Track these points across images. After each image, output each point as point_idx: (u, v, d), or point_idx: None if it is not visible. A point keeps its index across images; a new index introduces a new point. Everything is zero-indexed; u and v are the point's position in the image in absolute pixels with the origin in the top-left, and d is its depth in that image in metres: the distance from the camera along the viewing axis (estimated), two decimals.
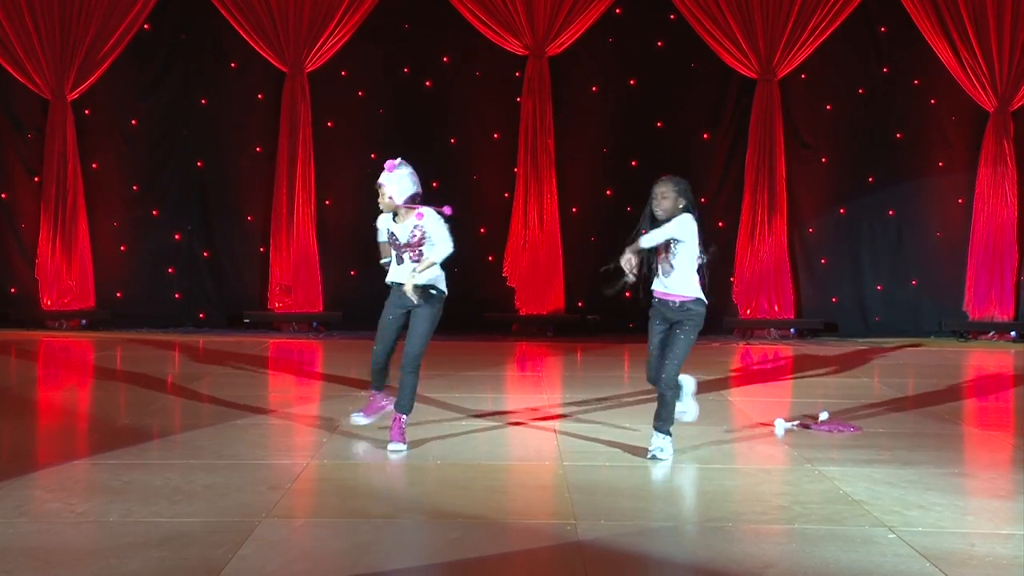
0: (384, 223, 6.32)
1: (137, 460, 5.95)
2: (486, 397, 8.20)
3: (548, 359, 10.73)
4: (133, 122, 12.68)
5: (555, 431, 6.90)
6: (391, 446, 6.26)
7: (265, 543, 4.53)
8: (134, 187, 12.71)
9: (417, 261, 6.18)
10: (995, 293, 12.38)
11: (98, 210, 12.63)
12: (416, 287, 6.13)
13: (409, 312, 6.28)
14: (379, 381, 6.49)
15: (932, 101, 12.56)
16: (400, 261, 6.26)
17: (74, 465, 5.88)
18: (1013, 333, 12.42)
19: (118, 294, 12.72)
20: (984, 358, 11.22)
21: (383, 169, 6.23)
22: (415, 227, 6.17)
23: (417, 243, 6.18)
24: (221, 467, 5.80)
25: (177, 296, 12.76)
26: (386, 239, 6.34)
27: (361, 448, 6.33)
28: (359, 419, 6.49)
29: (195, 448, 6.26)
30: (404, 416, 6.35)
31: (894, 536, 4.69)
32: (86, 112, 12.60)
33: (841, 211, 12.70)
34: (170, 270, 12.74)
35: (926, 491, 5.43)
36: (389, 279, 6.35)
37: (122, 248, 12.75)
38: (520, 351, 11.35)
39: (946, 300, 12.57)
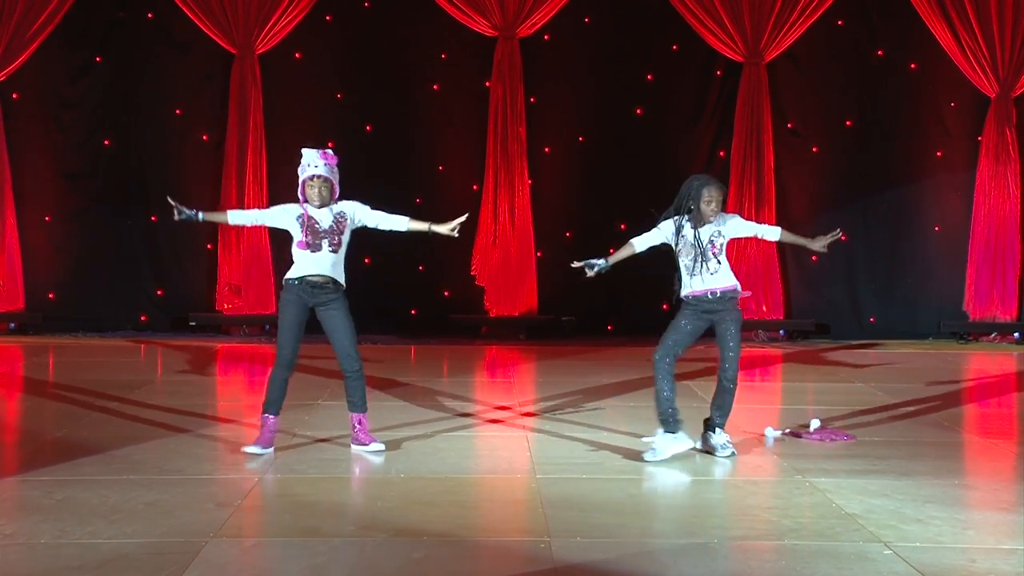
0: (293, 209, 6.39)
1: (71, 476, 5.89)
2: (453, 405, 8.19)
3: (520, 364, 10.74)
4: (66, 107, 12.55)
5: (528, 441, 6.91)
6: (373, 446, 6.48)
7: (212, 565, 4.51)
8: (67, 178, 12.58)
9: (335, 251, 6.32)
10: (997, 292, 12.53)
11: (27, 203, 12.50)
12: (330, 285, 6.33)
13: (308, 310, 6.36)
14: (282, 399, 6.50)
15: (930, 86, 12.70)
16: (316, 249, 6.32)
17: (1, 483, 5.81)
18: (1016, 334, 12.58)
19: (50, 295, 12.60)
20: (985, 361, 11.35)
21: (322, 160, 6.33)
22: (339, 213, 6.36)
23: (340, 231, 6.36)
24: (164, 483, 5.75)
25: (116, 297, 12.64)
26: (280, 225, 6.43)
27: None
28: (255, 450, 6.37)
29: (135, 463, 6.20)
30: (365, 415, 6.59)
31: (890, 552, 4.74)
32: (14, 96, 12.46)
33: (833, 203, 12.81)
34: (108, 269, 12.62)
35: (924, 504, 5.49)
36: (300, 273, 6.34)
37: (54, 244, 12.62)
38: (490, 355, 11.35)
39: (945, 299, 12.71)
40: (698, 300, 6.35)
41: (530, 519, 5.29)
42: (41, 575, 4.39)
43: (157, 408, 7.86)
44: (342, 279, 6.39)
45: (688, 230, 6.33)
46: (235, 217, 6.90)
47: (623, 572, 4.51)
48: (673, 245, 6.38)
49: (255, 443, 6.40)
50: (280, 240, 12.71)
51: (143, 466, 6.12)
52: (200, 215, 6.53)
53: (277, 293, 12.52)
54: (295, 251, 6.40)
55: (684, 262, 6.34)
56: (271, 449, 6.40)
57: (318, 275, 6.32)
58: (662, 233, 6.41)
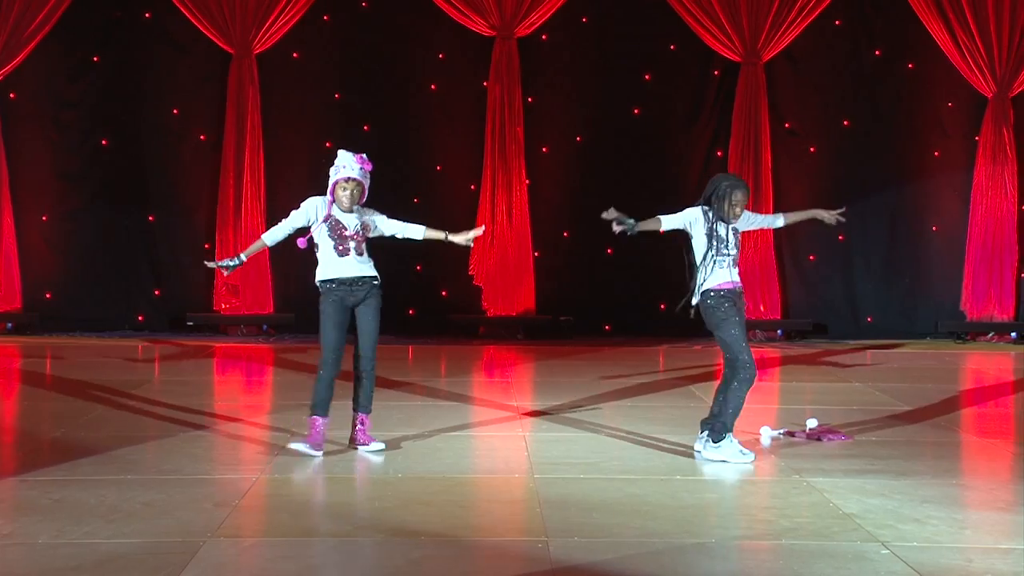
0: (321, 209, 6.35)
1: (69, 476, 5.88)
2: (451, 405, 8.20)
3: (518, 364, 10.75)
4: (63, 107, 12.54)
5: (525, 441, 6.91)
6: (373, 446, 6.48)
7: (210, 565, 4.51)
8: (65, 178, 12.57)
9: (361, 254, 6.39)
10: (994, 291, 12.55)
11: (25, 203, 12.49)
12: (365, 279, 6.40)
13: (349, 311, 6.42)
14: (330, 399, 6.46)
15: (927, 86, 12.71)
16: (343, 254, 6.34)
17: None
18: (1013, 334, 12.60)
19: (47, 295, 12.58)
20: (983, 361, 11.36)
21: (357, 163, 6.32)
22: (364, 221, 6.42)
23: (364, 235, 6.42)
24: (161, 483, 5.75)
25: (113, 297, 12.63)
26: (303, 224, 6.38)
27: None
28: (302, 448, 6.34)
29: (133, 463, 6.20)
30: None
31: (887, 552, 4.74)
32: (11, 96, 12.44)
33: (831, 203, 12.79)
34: (105, 269, 12.61)
35: (921, 503, 5.50)
36: (332, 275, 6.35)
37: (52, 244, 12.61)
38: (488, 355, 11.35)
39: (943, 299, 12.73)
40: (730, 292, 6.34)
41: (528, 519, 5.29)
42: (39, 575, 4.39)
43: (155, 408, 7.86)
44: (374, 273, 6.44)
45: (721, 225, 6.35)
46: (271, 237, 6.58)
47: (621, 572, 4.51)
48: (707, 238, 6.35)
49: (305, 441, 6.36)
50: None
51: (141, 466, 6.12)
52: (243, 256, 6.57)
53: (275, 293, 12.61)
54: (321, 253, 6.38)
55: (719, 255, 6.33)
56: (320, 453, 6.34)
57: (349, 276, 6.36)
58: (686, 220, 6.42)
